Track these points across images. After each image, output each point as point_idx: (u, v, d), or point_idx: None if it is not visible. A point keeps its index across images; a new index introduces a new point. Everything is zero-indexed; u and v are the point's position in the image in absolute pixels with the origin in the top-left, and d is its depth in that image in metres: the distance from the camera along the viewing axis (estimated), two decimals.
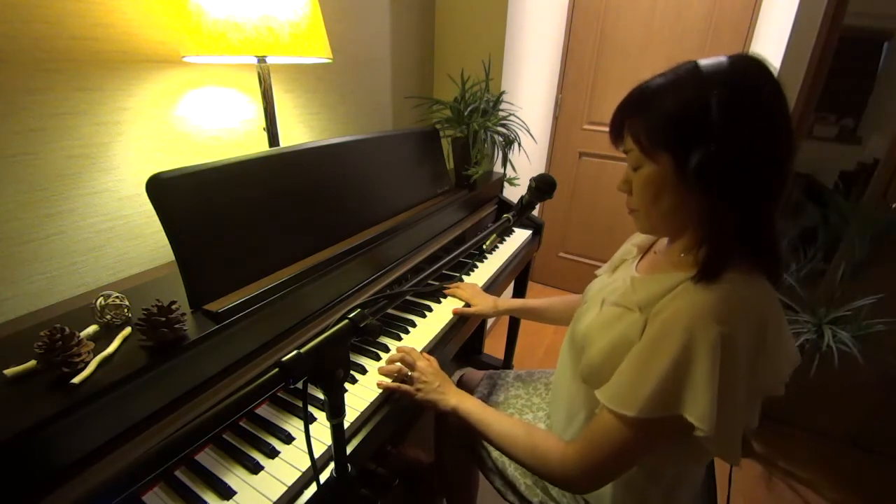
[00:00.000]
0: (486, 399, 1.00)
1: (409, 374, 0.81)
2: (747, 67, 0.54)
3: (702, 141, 0.52)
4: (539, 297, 1.08)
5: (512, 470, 0.85)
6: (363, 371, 0.84)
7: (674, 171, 0.56)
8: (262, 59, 0.93)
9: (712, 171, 0.52)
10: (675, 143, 0.55)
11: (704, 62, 0.55)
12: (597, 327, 0.66)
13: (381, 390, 0.79)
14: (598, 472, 0.61)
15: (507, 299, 1.11)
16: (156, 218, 0.69)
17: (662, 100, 0.56)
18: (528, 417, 0.93)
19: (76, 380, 0.56)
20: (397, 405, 0.80)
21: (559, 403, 0.81)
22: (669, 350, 0.53)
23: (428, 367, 0.82)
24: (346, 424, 0.71)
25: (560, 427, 0.78)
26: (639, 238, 0.77)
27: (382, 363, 0.86)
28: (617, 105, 0.61)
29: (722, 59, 0.54)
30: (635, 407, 0.54)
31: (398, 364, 0.82)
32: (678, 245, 0.64)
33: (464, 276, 1.24)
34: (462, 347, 1.15)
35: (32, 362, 0.58)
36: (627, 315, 0.61)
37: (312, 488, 0.63)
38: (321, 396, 0.65)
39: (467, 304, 1.06)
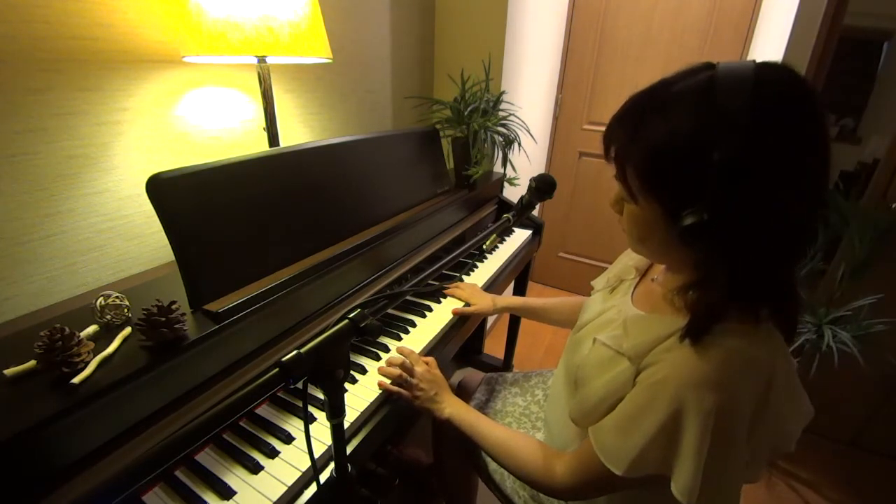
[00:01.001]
0: (484, 406, 1.00)
1: (408, 379, 0.81)
2: (780, 96, 0.41)
3: (693, 202, 0.43)
4: (539, 297, 1.08)
5: (511, 482, 0.85)
6: (363, 371, 0.84)
7: (662, 219, 0.49)
8: (262, 59, 0.93)
9: (702, 240, 0.45)
10: (662, 195, 0.47)
11: (724, 74, 0.42)
12: (590, 366, 0.63)
13: (381, 390, 0.79)
14: (583, 491, 0.63)
15: (505, 297, 1.11)
16: (156, 218, 0.69)
17: (656, 126, 0.46)
18: (525, 426, 0.92)
19: (76, 380, 0.56)
20: (397, 405, 0.80)
21: (553, 427, 0.81)
22: (658, 415, 0.50)
23: (426, 373, 0.81)
24: (346, 424, 0.71)
25: (554, 447, 0.77)
26: (638, 259, 0.72)
27: (382, 363, 0.85)
28: (612, 115, 0.53)
29: (746, 76, 0.41)
30: (622, 467, 0.53)
31: (397, 370, 0.82)
32: (675, 279, 0.58)
33: (464, 276, 1.24)
34: (462, 347, 1.15)
35: (32, 362, 0.58)
36: (618, 361, 0.57)
37: (312, 488, 0.63)
38: (321, 396, 0.65)
39: (466, 304, 1.07)
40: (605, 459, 0.55)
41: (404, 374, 0.81)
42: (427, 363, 0.84)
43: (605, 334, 0.62)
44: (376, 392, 0.79)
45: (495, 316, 2.40)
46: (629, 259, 0.75)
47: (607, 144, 0.54)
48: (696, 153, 0.42)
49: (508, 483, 0.85)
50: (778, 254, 0.46)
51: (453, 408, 0.78)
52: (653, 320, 0.57)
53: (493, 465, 0.88)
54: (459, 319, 1.04)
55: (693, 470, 0.48)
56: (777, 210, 0.43)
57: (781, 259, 0.47)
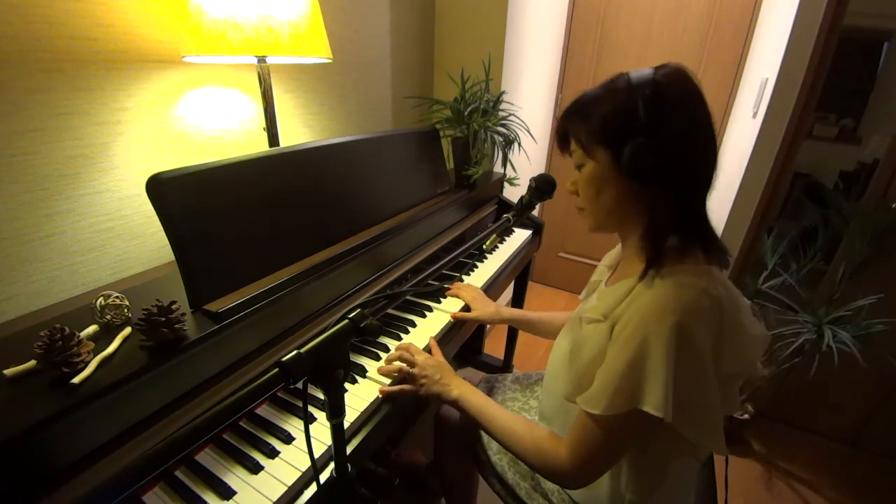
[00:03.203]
0: None
1: (410, 370, 0.81)
2: (669, 74, 0.60)
3: (633, 136, 0.58)
4: (539, 297, 1.10)
5: (511, 474, 0.85)
6: (363, 371, 0.84)
7: (611, 166, 0.61)
8: (262, 59, 0.93)
9: (642, 161, 0.58)
10: (611, 139, 0.61)
11: (634, 73, 0.62)
12: (578, 345, 0.68)
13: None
14: (587, 466, 0.64)
15: (507, 308, 1.10)
16: (156, 218, 0.69)
17: (598, 106, 0.62)
18: None
19: (76, 380, 0.56)
20: (397, 405, 0.80)
21: (549, 418, 0.81)
22: (627, 348, 0.56)
23: (428, 360, 0.82)
24: (346, 424, 0.71)
25: None
26: (609, 259, 0.82)
27: (382, 363, 0.86)
28: (559, 115, 0.69)
29: (648, 70, 0.61)
30: (600, 405, 0.58)
31: (397, 363, 0.82)
32: (631, 248, 0.68)
33: (464, 276, 1.24)
34: (462, 348, 1.15)
35: (32, 362, 0.58)
36: (597, 327, 0.64)
37: (312, 488, 0.63)
38: (321, 396, 0.65)
39: (467, 307, 1.06)
40: (585, 405, 0.60)
41: (405, 368, 0.81)
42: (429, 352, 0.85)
43: (588, 315, 0.69)
44: (376, 392, 0.79)
45: None
46: (603, 262, 0.83)
47: (563, 130, 0.68)
48: (628, 108, 0.59)
49: (510, 474, 0.85)
50: (691, 176, 0.59)
51: (461, 389, 0.78)
52: (618, 286, 0.65)
53: (494, 458, 0.88)
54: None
55: (663, 386, 0.54)
56: (683, 133, 0.57)
57: (694, 182, 0.60)
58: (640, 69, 0.62)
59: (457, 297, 1.09)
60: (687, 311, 0.54)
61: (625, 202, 0.64)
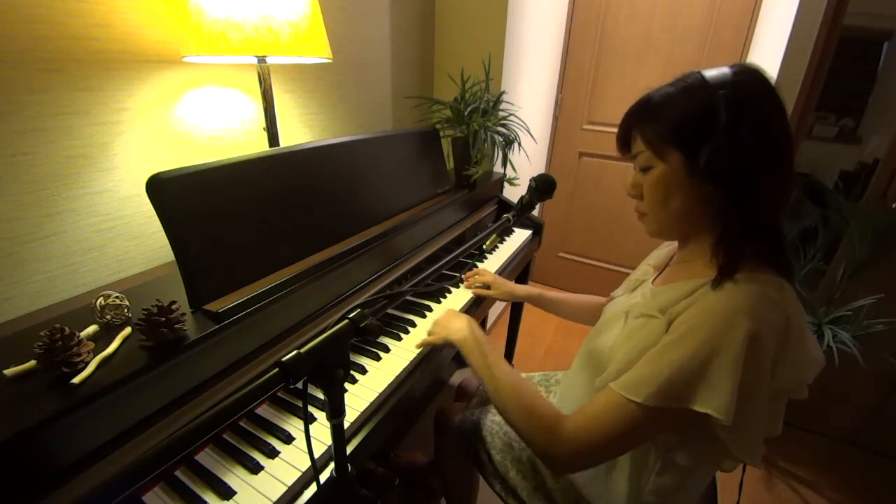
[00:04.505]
0: (486, 402, 1.00)
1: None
2: (747, 73, 0.57)
3: (711, 137, 0.55)
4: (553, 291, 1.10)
5: (513, 475, 0.85)
6: (363, 371, 0.84)
7: (684, 169, 0.58)
8: (262, 59, 0.93)
9: (722, 163, 0.55)
10: (686, 140, 0.57)
11: (709, 72, 0.58)
12: (620, 341, 0.65)
13: (380, 390, 0.79)
14: (585, 451, 0.59)
15: (521, 286, 1.13)
16: (156, 218, 0.69)
17: (672, 105, 0.59)
18: None
19: (76, 380, 0.56)
20: (397, 405, 0.80)
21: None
22: (692, 344, 0.53)
23: (440, 316, 0.88)
24: (346, 424, 0.71)
25: None
26: (655, 258, 0.79)
27: (382, 363, 0.86)
28: (624, 113, 0.64)
29: (725, 68, 0.58)
30: (643, 394, 0.54)
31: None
32: (691, 253, 0.65)
33: (463, 277, 1.24)
34: None
35: (32, 362, 0.58)
36: (650, 322, 0.61)
37: (312, 488, 0.63)
38: (321, 396, 0.65)
39: (485, 288, 1.12)
40: (624, 390, 0.56)
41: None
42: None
43: (636, 310, 0.66)
44: (376, 392, 0.79)
45: (496, 316, 2.40)
46: (647, 262, 0.80)
47: (627, 129, 0.64)
48: (706, 108, 0.56)
49: (512, 474, 0.85)
50: (772, 184, 0.56)
51: (464, 334, 0.78)
52: (677, 286, 0.63)
53: (497, 458, 0.88)
54: None
55: (729, 390, 0.51)
56: (765, 137, 0.54)
57: (775, 190, 0.57)
58: (714, 68, 0.59)
59: (474, 283, 1.13)
60: (760, 321, 0.52)
61: (695, 208, 0.61)
